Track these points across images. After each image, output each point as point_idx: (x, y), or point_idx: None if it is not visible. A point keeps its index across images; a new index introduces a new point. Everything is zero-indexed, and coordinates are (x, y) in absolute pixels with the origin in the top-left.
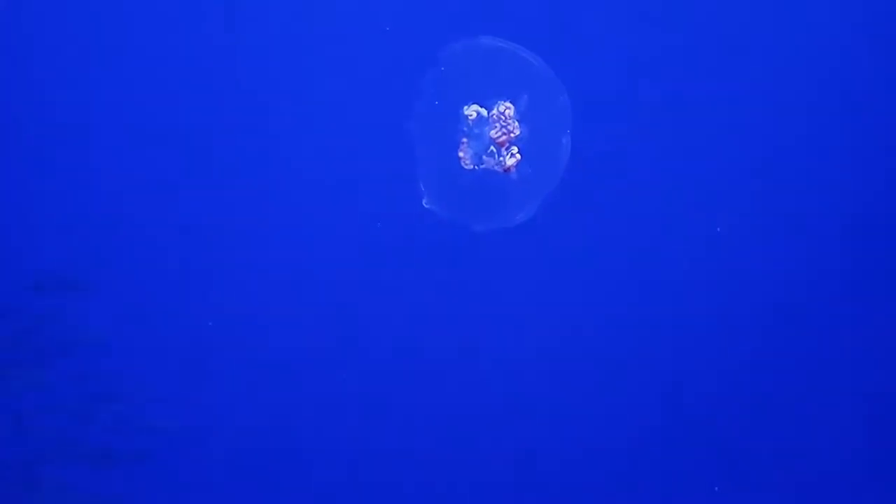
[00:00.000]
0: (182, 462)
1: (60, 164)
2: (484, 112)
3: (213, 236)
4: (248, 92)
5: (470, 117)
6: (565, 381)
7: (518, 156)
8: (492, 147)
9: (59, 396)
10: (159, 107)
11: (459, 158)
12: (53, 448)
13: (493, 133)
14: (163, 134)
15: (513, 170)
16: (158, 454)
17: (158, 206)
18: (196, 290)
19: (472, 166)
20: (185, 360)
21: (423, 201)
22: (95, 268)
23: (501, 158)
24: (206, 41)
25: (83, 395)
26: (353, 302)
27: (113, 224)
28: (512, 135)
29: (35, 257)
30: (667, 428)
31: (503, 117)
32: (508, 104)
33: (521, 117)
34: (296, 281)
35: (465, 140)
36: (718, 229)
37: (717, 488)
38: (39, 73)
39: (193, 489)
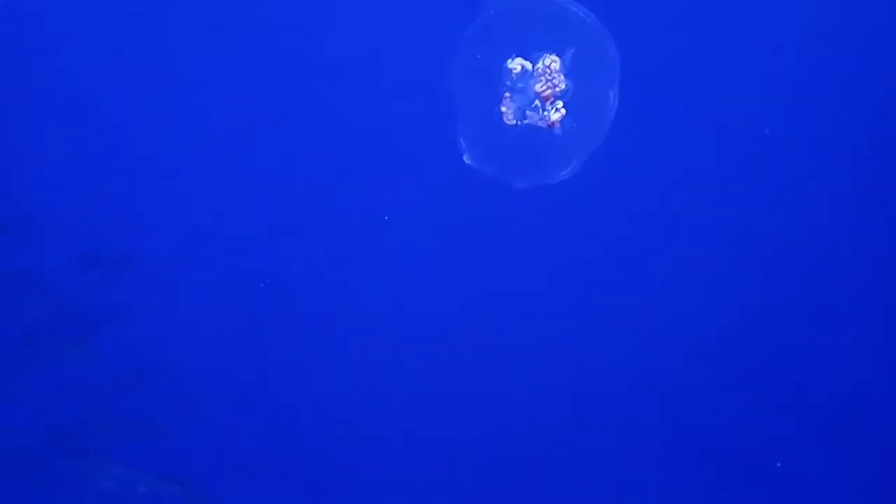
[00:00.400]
0: (223, 434)
1: (103, 142)
2: (528, 65)
3: (253, 207)
4: (280, 46)
5: (514, 71)
6: (609, 342)
7: (563, 111)
8: (536, 101)
9: (102, 369)
10: (200, 82)
11: (502, 113)
12: (96, 420)
13: (537, 87)
14: (201, 107)
15: (557, 125)
16: (199, 427)
17: (200, 179)
18: (237, 263)
19: (514, 121)
20: (227, 333)
21: (464, 157)
22: (138, 243)
23: (546, 113)
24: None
25: (126, 368)
26: (392, 262)
27: (155, 200)
28: (557, 89)
29: (79, 233)
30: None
31: (548, 71)
32: (554, 57)
33: (567, 71)
34: (335, 243)
35: (507, 94)
36: (767, 130)
37: (779, 464)
38: (83, 55)
39: (235, 461)
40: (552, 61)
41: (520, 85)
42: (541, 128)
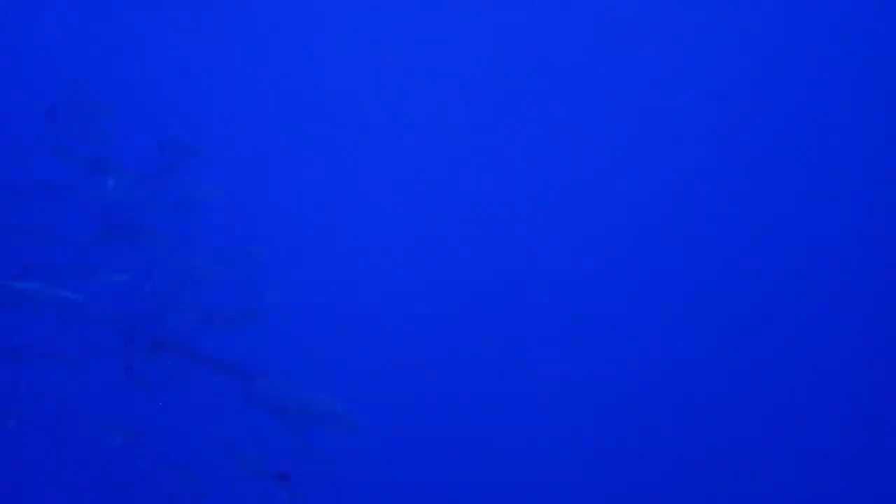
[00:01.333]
0: (300, 324)
1: (178, 40)
2: None
3: (324, 99)
4: None
5: None
6: None
7: None
8: None
9: (178, 256)
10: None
11: None
12: (175, 306)
13: None
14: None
15: None
16: (276, 315)
17: (270, 76)
18: (307, 154)
19: None
20: (305, 219)
21: None
22: (210, 132)
23: None
24: None
25: (202, 255)
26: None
27: (227, 91)
28: None
29: (156, 122)
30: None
31: None
32: None
33: None
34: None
35: None
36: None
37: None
38: None
39: (312, 351)
40: None
41: None
42: None
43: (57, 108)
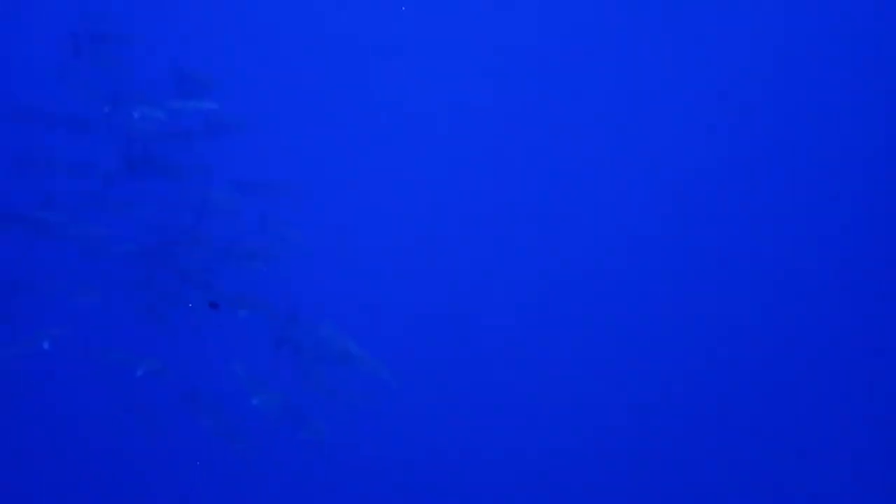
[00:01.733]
0: (317, 261)
1: None
2: None
3: (350, 31)
4: None
5: None
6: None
7: None
8: None
9: (196, 190)
10: None
11: None
12: (193, 239)
13: None
14: None
15: None
16: (292, 253)
17: (297, 7)
18: (332, 87)
19: None
20: (321, 158)
21: None
22: (235, 64)
23: None
24: None
25: (219, 189)
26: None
27: (251, 23)
28: None
29: (180, 53)
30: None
31: None
32: None
33: None
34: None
35: None
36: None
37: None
38: None
39: (330, 289)
40: None
41: None
42: None
43: (80, 41)
